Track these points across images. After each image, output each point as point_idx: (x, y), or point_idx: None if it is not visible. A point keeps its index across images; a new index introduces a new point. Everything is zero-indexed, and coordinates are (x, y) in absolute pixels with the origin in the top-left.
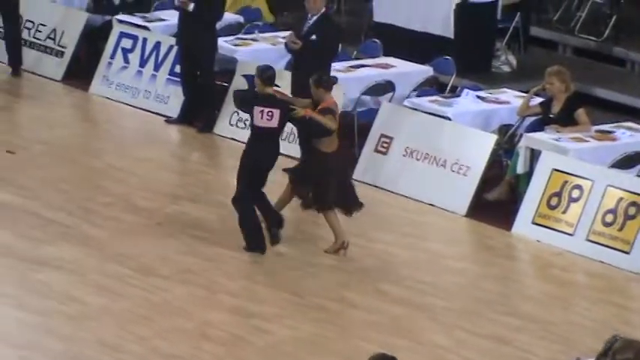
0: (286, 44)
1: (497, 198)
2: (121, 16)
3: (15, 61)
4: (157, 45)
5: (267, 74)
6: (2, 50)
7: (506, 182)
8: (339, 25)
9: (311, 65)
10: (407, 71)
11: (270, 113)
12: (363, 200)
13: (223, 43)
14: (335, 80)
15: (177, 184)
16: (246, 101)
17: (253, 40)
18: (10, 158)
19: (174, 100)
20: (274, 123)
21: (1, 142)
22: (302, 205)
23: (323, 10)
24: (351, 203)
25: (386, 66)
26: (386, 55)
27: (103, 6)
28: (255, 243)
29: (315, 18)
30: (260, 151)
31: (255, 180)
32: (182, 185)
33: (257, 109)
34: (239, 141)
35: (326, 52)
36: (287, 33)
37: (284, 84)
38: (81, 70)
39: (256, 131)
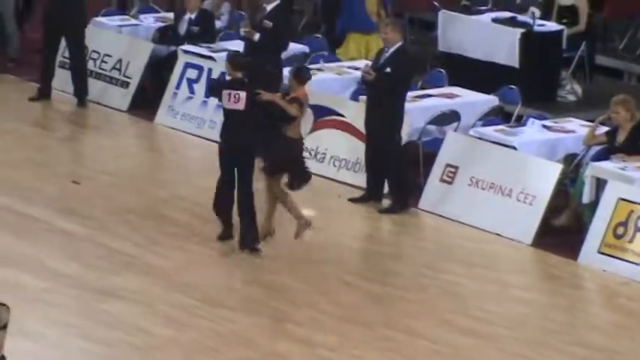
0: (362, 75)
1: (563, 224)
2: (186, 47)
3: (81, 92)
4: (222, 75)
5: (236, 60)
6: (68, 81)
7: (571, 209)
8: (414, 59)
9: (384, 97)
10: (472, 101)
11: (236, 96)
12: (429, 230)
13: (289, 74)
14: (309, 76)
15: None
16: (216, 87)
17: (318, 69)
18: (75, 189)
19: None
20: (241, 105)
21: (67, 173)
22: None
23: (399, 43)
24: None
25: (451, 95)
26: (451, 84)
27: (169, 36)
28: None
29: (391, 51)
30: (229, 131)
31: (229, 164)
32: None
33: (225, 92)
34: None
35: (399, 85)
36: (351, 63)
37: (349, 113)
38: (146, 101)
39: (225, 113)
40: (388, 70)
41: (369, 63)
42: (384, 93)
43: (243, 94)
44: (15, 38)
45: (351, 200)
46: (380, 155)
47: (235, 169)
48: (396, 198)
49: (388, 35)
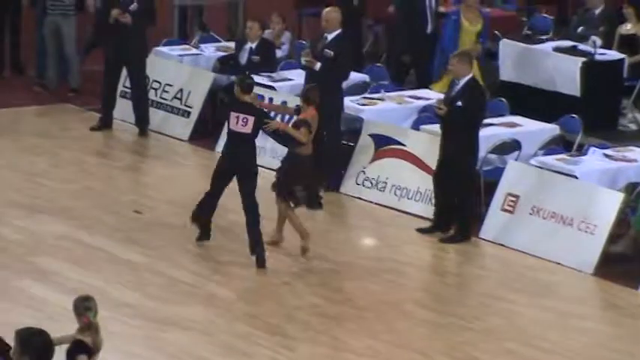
0: (434, 109)
1: (621, 251)
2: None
3: (142, 121)
4: (284, 104)
5: (246, 82)
6: (129, 110)
7: (631, 237)
8: (485, 91)
9: (457, 131)
10: (533, 130)
11: (245, 120)
12: (490, 259)
13: (349, 103)
14: (317, 101)
15: (304, 246)
16: (224, 105)
17: (379, 99)
18: (137, 218)
19: None
20: (248, 129)
21: (128, 203)
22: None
23: (469, 75)
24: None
25: (512, 125)
26: (512, 113)
27: (230, 66)
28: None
29: (461, 83)
30: (233, 152)
31: (223, 182)
32: (310, 246)
33: (233, 114)
34: (366, 200)
35: (472, 118)
36: (412, 92)
37: (410, 143)
38: (207, 130)
39: (231, 135)
40: (459, 103)
41: (441, 96)
42: (456, 126)
43: (251, 119)
44: (76, 68)
45: (420, 231)
46: (452, 186)
47: (239, 187)
48: (459, 227)
49: (455, 67)
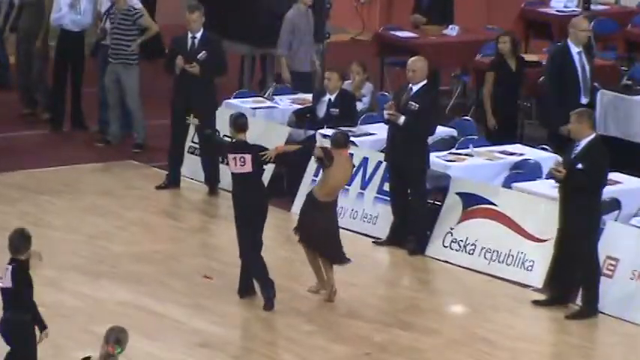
0: (550, 173)
1: None
2: (325, 131)
3: (212, 179)
4: (365, 161)
5: (239, 121)
6: (198, 167)
7: None
8: (606, 152)
9: (577, 195)
10: (634, 188)
11: (242, 159)
12: (587, 329)
13: (435, 159)
14: (342, 141)
15: (386, 311)
16: (221, 151)
17: (468, 155)
18: (207, 285)
19: (382, 220)
20: (248, 168)
21: (197, 267)
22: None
23: (591, 135)
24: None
25: (612, 182)
26: (611, 170)
27: (306, 120)
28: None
29: (582, 144)
30: (240, 194)
31: (246, 226)
32: (392, 312)
33: (231, 157)
34: (453, 264)
35: (593, 183)
36: (503, 148)
37: (501, 202)
38: (283, 189)
39: (234, 178)
40: (580, 166)
41: (558, 158)
42: (575, 191)
43: (248, 157)
44: (141, 121)
45: (536, 303)
46: (572, 259)
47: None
48: (585, 302)
49: (575, 127)
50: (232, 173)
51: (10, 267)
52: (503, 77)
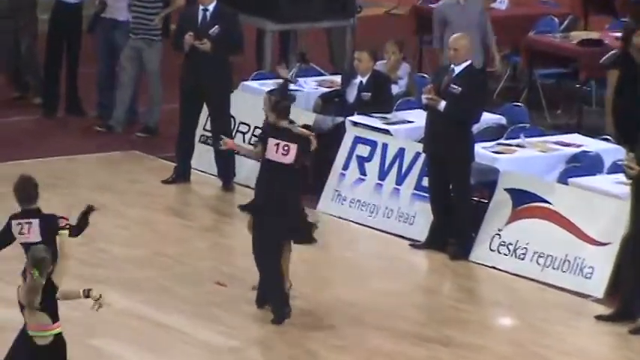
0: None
1: None
2: (356, 117)
3: (226, 173)
4: (401, 152)
5: (281, 106)
6: (210, 159)
7: None
8: None
9: None
10: None
11: (286, 147)
12: None
13: (481, 150)
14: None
15: (424, 323)
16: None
17: (518, 146)
18: (220, 292)
19: (421, 219)
20: (290, 159)
21: (208, 272)
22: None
23: None
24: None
25: None
26: None
27: (334, 105)
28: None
29: None
30: (272, 187)
31: (268, 226)
32: (430, 324)
33: (273, 141)
34: (501, 270)
35: None
36: (559, 137)
37: (556, 200)
38: (307, 183)
39: (267, 165)
40: None
41: (630, 154)
42: None
43: (294, 147)
44: (158, 104)
45: (599, 318)
46: None
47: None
48: None
49: None
50: (267, 160)
51: (33, 220)
52: (629, 77)
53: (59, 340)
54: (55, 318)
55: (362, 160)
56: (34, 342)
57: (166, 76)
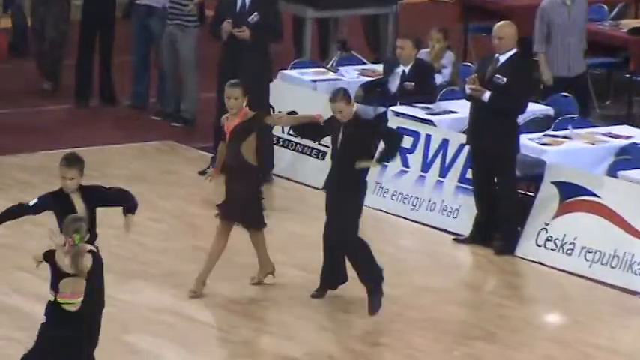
0: None
1: None
2: (398, 107)
3: (265, 165)
4: (444, 144)
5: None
6: None
7: None
8: None
9: None
10: None
11: None
12: None
13: (528, 142)
14: None
15: (467, 321)
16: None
17: (566, 137)
18: (256, 288)
19: (465, 213)
20: None
21: (246, 267)
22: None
23: None
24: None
25: None
26: None
27: (376, 94)
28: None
29: None
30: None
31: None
32: (475, 322)
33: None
34: (548, 266)
35: None
36: (608, 129)
37: (605, 194)
38: None
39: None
40: None
41: None
42: None
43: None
44: (193, 94)
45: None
46: None
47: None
48: None
49: None
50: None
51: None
52: None
53: (85, 305)
54: None
55: (404, 152)
56: (64, 309)
57: (203, 64)
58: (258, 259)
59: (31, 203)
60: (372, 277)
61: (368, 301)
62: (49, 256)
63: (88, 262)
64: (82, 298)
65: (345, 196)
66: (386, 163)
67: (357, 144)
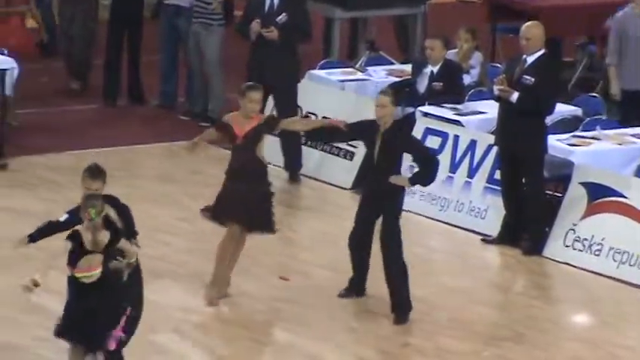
0: None
1: None
2: (426, 108)
3: (292, 165)
4: (472, 144)
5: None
6: (277, 150)
7: None
8: None
9: None
10: None
11: None
12: None
13: (556, 142)
14: None
15: (496, 322)
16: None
17: (594, 138)
18: (284, 286)
19: (493, 214)
20: None
21: (274, 267)
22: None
23: None
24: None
25: None
26: None
27: (404, 95)
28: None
29: None
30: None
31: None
32: (503, 323)
33: None
34: (576, 267)
35: None
36: (636, 130)
37: (633, 194)
38: None
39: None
40: None
41: None
42: None
43: None
44: (219, 93)
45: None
46: None
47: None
48: None
49: None
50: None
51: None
52: None
53: (103, 276)
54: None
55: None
56: (82, 283)
57: (232, 64)
58: (228, 268)
59: (62, 219)
60: (402, 298)
61: (395, 314)
62: (74, 237)
63: (104, 237)
64: (99, 271)
65: (384, 204)
66: (420, 186)
67: (395, 155)
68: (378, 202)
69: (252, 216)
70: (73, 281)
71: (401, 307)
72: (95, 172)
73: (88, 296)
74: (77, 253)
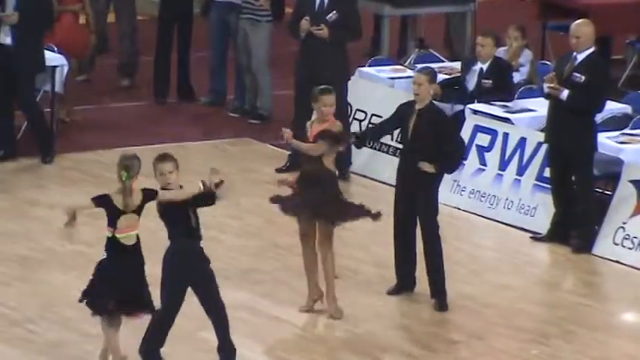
0: None
1: None
2: (476, 105)
3: (341, 162)
4: (522, 142)
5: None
6: None
7: None
8: None
9: None
10: None
11: None
12: None
13: (605, 140)
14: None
15: (545, 320)
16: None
17: None
18: (335, 284)
19: (542, 212)
20: None
21: None
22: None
23: None
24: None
25: None
26: None
27: (454, 92)
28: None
29: None
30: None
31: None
32: (552, 321)
33: None
34: (626, 265)
35: None
36: None
37: None
38: None
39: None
40: None
41: None
42: None
43: None
44: (267, 90)
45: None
46: None
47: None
48: None
49: None
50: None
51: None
52: None
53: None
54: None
55: (482, 150)
56: (121, 243)
57: (282, 62)
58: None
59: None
60: (440, 277)
61: (435, 300)
62: (104, 200)
63: (136, 199)
64: (136, 232)
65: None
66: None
67: (428, 134)
68: (413, 180)
69: (319, 204)
70: (113, 242)
71: (440, 293)
72: (162, 155)
73: (126, 256)
74: (113, 215)
